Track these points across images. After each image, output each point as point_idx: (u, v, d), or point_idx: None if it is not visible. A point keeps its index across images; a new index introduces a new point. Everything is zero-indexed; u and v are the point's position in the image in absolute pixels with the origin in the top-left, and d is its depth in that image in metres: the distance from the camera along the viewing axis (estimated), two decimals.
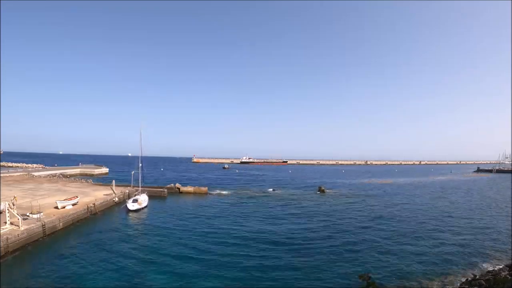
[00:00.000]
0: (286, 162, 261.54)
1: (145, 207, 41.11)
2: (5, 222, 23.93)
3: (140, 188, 46.21)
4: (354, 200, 53.45)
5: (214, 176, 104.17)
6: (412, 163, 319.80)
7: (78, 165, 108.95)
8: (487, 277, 17.83)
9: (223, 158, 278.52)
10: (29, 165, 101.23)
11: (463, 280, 18.68)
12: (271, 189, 66.55)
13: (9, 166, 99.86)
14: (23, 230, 23.45)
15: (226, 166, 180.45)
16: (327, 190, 65.47)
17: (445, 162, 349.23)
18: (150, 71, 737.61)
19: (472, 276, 19.26)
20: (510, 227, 33.55)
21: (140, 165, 48.20)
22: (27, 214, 27.41)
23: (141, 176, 47.86)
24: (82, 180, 64.05)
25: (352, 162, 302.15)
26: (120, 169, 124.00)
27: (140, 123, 49.16)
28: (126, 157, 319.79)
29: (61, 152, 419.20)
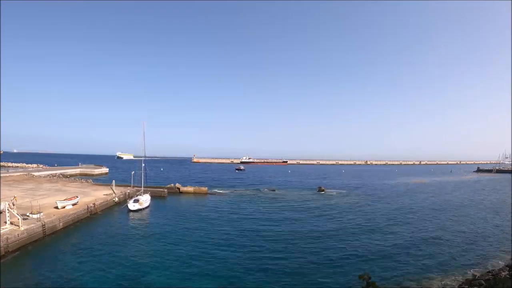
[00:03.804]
0: (286, 162, 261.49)
1: (147, 207, 41.04)
2: (5, 222, 23.94)
3: (142, 188, 46.23)
4: (353, 199, 53.43)
5: (215, 176, 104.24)
6: (412, 163, 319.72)
7: (77, 165, 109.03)
8: (487, 277, 17.83)
9: (223, 158, 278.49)
10: (29, 165, 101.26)
11: (463, 280, 18.68)
12: (271, 189, 66.55)
13: (9, 166, 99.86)
14: (23, 230, 23.45)
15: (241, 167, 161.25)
16: (327, 190, 65.53)
17: (445, 162, 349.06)
18: (147, 70, 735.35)
19: (472, 276, 19.26)
20: (510, 227, 33.56)
21: (143, 165, 48.34)
22: (27, 214, 27.39)
23: (143, 177, 47.94)
24: (82, 180, 64.06)
25: (352, 162, 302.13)
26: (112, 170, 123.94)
27: (142, 124, 48.87)
28: (113, 157, 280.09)
29: (15, 151, 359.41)
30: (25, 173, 68.24)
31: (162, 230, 30.03)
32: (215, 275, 19.10)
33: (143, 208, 39.84)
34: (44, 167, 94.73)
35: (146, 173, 49.65)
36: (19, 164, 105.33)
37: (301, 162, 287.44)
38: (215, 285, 17.74)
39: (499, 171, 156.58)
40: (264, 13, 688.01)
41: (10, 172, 69.83)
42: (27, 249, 22.59)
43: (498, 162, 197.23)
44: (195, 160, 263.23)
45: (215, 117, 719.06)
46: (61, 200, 34.04)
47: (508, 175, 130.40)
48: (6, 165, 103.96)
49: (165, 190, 53.99)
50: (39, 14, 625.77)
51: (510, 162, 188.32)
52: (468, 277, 19.02)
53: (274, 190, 65.05)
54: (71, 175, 78.29)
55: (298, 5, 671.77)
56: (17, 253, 21.59)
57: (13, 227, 23.96)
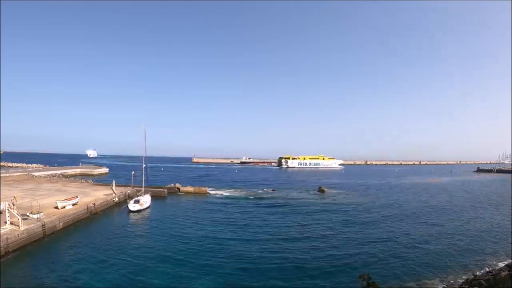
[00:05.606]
0: None
1: (147, 208, 40.97)
2: (5, 222, 23.94)
3: (143, 189, 46.24)
4: (353, 199, 53.42)
5: (215, 175, 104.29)
6: (412, 163, 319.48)
7: (77, 165, 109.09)
8: (487, 277, 17.82)
9: (223, 158, 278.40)
10: (29, 165, 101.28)
11: (463, 280, 18.68)
12: (271, 189, 66.56)
13: (9, 166, 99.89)
14: (23, 230, 23.44)
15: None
16: (328, 190, 65.50)
17: (445, 162, 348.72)
18: (147, 70, 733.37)
19: (472, 276, 19.25)
20: (510, 227, 33.55)
21: (144, 165, 48.40)
22: (27, 214, 27.39)
23: (144, 177, 47.97)
24: (82, 180, 64.07)
25: (352, 162, 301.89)
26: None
27: (143, 124, 49.50)
28: (84, 156, 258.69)
29: None
30: (25, 173, 68.27)
31: (161, 230, 30.00)
32: (216, 275, 19.08)
33: (144, 209, 39.84)
34: (44, 167, 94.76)
35: (147, 173, 49.77)
36: (19, 164, 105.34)
37: None
38: (216, 286, 17.73)
39: (499, 171, 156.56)
40: (264, 13, 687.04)
41: (10, 172, 69.84)
42: (27, 249, 22.58)
43: (498, 162, 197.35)
44: (195, 160, 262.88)
45: (215, 117, 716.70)
46: (61, 200, 34.04)
47: (508, 175, 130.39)
48: (6, 165, 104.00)
49: (165, 190, 53.97)
50: (39, 14, 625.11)
51: (510, 162, 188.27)
52: (468, 277, 19.02)
53: (274, 190, 65.05)
54: (71, 175, 78.32)
55: (298, 5, 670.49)
56: (17, 253, 21.59)
57: (13, 227, 23.95)
